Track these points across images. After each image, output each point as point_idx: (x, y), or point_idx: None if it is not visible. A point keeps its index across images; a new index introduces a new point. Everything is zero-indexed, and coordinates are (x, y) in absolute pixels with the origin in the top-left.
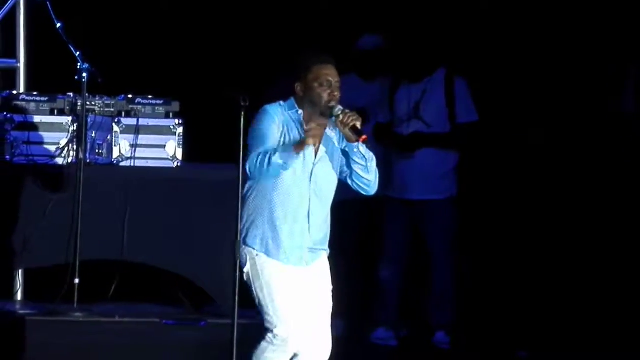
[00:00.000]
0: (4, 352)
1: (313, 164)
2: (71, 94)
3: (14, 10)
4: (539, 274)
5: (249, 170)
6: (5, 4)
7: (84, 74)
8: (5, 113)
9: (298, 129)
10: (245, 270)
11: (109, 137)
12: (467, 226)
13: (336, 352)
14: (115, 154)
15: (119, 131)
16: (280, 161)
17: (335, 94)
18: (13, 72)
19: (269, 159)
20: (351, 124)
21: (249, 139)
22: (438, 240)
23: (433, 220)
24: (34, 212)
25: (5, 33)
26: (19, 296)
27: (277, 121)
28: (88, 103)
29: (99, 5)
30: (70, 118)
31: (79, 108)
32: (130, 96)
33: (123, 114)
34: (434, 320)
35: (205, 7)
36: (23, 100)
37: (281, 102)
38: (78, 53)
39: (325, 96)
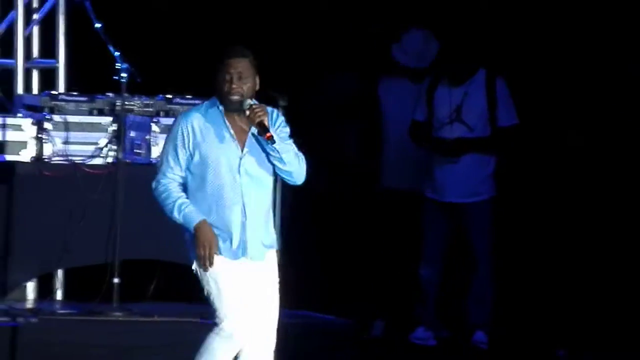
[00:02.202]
0: (44, 351)
1: (240, 157)
2: (110, 94)
3: (53, 11)
4: (578, 274)
5: (152, 187)
6: (44, 4)
7: (123, 74)
8: (44, 113)
9: (221, 125)
10: (194, 266)
11: (147, 137)
12: (506, 227)
13: (375, 352)
14: (154, 153)
15: (157, 131)
16: (180, 220)
17: (234, 86)
18: (53, 72)
19: (174, 208)
20: (257, 120)
21: (164, 145)
22: (479, 241)
23: (474, 222)
24: (73, 212)
25: (44, 33)
26: (59, 296)
27: (189, 129)
28: (127, 103)
29: (137, 5)
30: (109, 118)
31: (117, 108)
32: (168, 96)
33: (162, 113)
34: (473, 320)
35: (242, 7)
36: (62, 100)
37: (204, 102)
38: (117, 53)
39: (225, 88)
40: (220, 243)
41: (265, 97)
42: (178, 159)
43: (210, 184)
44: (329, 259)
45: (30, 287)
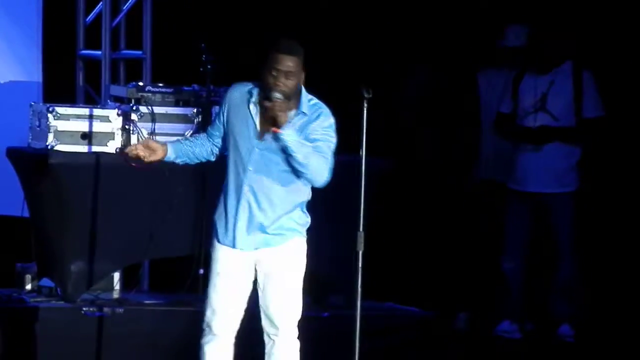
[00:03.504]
0: (130, 341)
1: (255, 147)
2: (196, 86)
3: (139, 2)
4: None
5: None
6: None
7: (209, 66)
8: (131, 104)
9: (250, 110)
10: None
11: None
12: (592, 219)
13: (459, 344)
14: None
15: None
16: None
17: (279, 83)
18: (139, 64)
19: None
20: (270, 114)
21: None
22: (563, 233)
23: (558, 214)
24: (159, 204)
25: (131, 25)
26: (145, 286)
27: (228, 102)
28: (213, 94)
29: None
30: (195, 109)
31: (203, 100)
32: None
33: None
34: (558, 312)
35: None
36: (149, 91)
37: (255, 82)
38: (203, 45)
39: (270, 82)
40: (221, 231)
41: (350, 87)
42: (214, 125)
43: (230, 164)
44: (413, 251)
45: (117, 278)
